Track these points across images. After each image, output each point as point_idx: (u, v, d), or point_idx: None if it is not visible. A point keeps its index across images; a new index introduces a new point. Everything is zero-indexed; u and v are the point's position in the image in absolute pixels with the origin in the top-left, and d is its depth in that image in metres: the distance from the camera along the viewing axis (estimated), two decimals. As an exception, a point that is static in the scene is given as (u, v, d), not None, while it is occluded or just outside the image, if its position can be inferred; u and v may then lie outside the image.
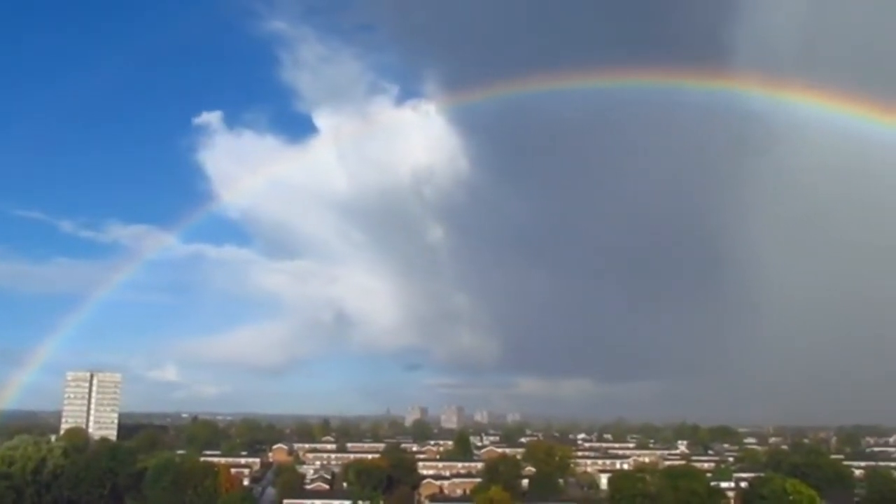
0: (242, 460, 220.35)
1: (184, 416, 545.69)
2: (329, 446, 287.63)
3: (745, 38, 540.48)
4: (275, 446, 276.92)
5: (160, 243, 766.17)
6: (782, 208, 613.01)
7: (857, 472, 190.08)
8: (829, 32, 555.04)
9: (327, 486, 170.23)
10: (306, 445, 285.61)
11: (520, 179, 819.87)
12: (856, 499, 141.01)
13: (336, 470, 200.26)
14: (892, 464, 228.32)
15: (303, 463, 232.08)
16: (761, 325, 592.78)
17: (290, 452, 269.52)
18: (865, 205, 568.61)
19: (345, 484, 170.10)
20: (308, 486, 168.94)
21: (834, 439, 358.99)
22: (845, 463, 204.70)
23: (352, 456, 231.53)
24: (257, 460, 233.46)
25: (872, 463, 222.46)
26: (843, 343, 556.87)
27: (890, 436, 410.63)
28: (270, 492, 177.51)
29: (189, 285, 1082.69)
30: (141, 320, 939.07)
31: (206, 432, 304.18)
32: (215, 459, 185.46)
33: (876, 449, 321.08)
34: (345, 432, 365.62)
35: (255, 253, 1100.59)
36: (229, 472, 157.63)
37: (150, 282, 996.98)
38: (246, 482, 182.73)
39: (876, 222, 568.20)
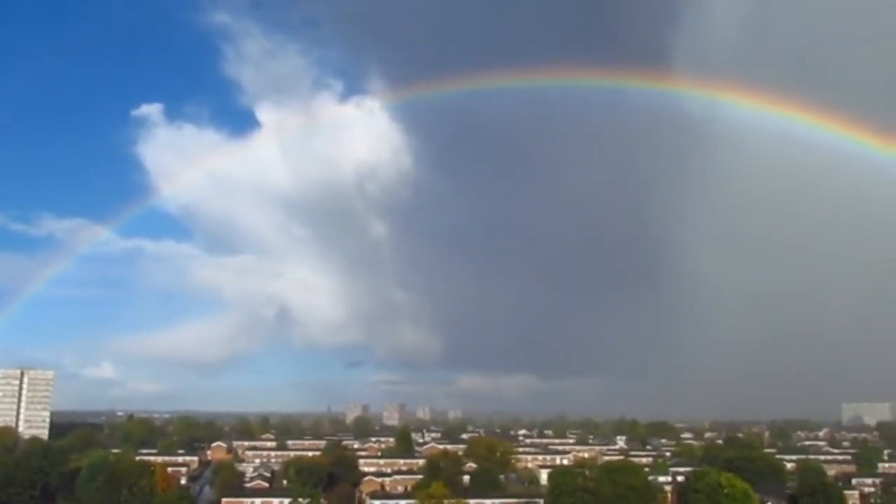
0: (180, 459, 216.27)
1: (119, 414, 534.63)
2: (269, 444, 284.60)
3: (685, 41, 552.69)
4: (213, 444, 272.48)
5: (95, 237, 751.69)
6: (720, 210, 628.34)
7: (789, 466, 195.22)
8: (766, 36, 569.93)
9: (267, 485, 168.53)
10: (246, 443, 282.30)
11: (463, 177, 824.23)
12: (787, 491, 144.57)
13: (276, 468, 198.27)
14: (822, 457, 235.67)
15: (242, 461, 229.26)
16: (698, 323, 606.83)
17: (230, 450, 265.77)
18: (799, 208, 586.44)
19: (285, 482, 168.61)
20: (247, 485, 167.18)
21: (767, 434, 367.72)
22: (777, 456, 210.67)
23: (292, 454, 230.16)
24: (195, 459, 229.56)
25: (803, 456, 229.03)
26: (776, 342, 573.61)
27: (819, 430, 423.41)
28: (208, 491, 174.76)
29: (126, 280, 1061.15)
30: (75, 316, 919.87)
31: (143, 430, 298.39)
32: (151, 458, 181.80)
33: (806, 443, 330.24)
34: (285, 430, 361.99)
35: (196, 248, 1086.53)
36: (166, 471, 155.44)
37: (85, 277, 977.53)
38: (183, 481, 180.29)
39: (809, 225, 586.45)
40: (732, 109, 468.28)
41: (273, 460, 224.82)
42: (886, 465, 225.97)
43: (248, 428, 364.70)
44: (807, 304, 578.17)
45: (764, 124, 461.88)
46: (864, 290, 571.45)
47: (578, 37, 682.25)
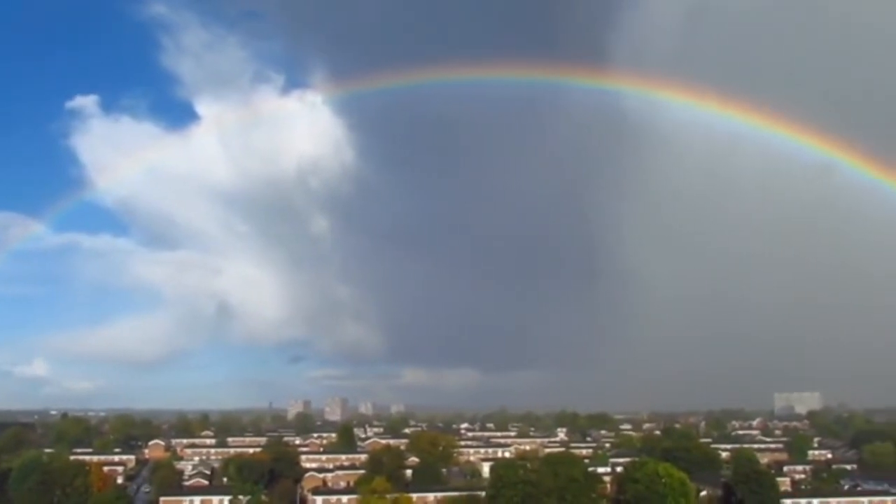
0: (116, 458, 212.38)
1: (53, 413, 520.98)
2: (208, 441, 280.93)
3: (623, 39, 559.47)
4: (151, 442, 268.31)
5: (28, 232, 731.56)
6: (657, 207, 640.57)
7: (724, 455, 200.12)
8: (703, 36, 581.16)
9: (207, 483, 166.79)
10: (184, 441, 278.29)
11: (406, 172, 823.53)
12: (722, 479, 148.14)
13: (216, 465, 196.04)
14: (755, 445, 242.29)
15: (181, 459, 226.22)
16: (637, 319, 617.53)
17: (168, 448, 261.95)
18: (731, 207, 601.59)
19: (225, 479, 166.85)
20: (186, 483, 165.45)
21: (703, 424, 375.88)
22: (713, 446, 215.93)
23: (232, 450, 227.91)
24: (132, 458, 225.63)
25: (737, 445, 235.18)
26: (711, 336, 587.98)
27: (753, 419, 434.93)
28: (146, 490, 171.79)
29: (60, 276, 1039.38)
30: (6, 313, 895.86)
31: (77, 429, 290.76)
32: (86, 458, 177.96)
33: (741, 432, 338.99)
34: (225, 427, 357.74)
35: (133, 243, 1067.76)
36: (102, 471, 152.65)
37: (17, 272, 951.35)
38: (120, 480, 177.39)
39: (739, 224, 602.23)
40: (669, 108, 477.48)
41: (213, 458, 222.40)
42: (816, 452, 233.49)
43: (187, 425, 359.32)
44: (740, 300, 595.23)
45: (698, 124, 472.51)
46: (793, 288, 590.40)
47: (520, 32, 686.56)
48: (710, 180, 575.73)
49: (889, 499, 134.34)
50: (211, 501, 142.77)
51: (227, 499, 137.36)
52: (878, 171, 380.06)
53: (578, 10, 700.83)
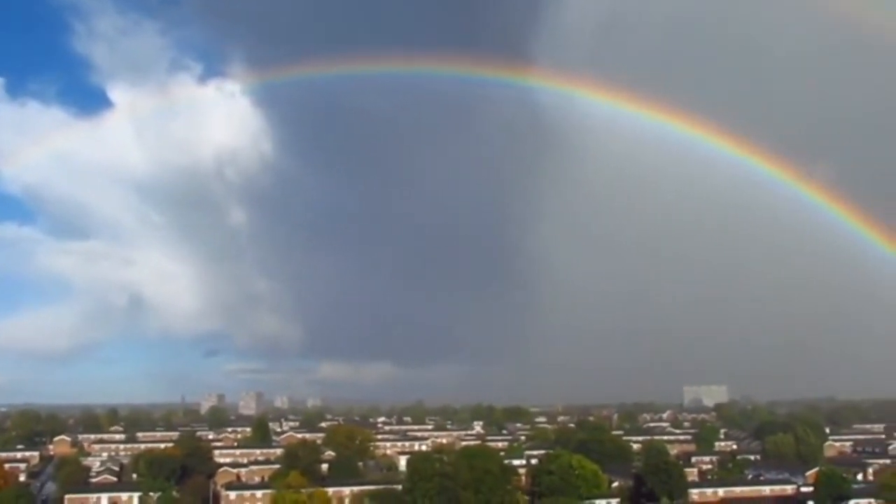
0: (18, 454, 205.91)
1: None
2: (117, 436, 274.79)
3: (545, 36, 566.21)
4: (56, 438, 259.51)
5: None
6: (573, 205, 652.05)
7: (636, 446, 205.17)
8: (622, 37, 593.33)
9: (115, 479, 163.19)
10: (92, 436, 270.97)
11: (325, 164, 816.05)
12: (633, 470, 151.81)
13: (125, 461, 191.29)
14: (665, 437, 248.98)
15: (88, 455, 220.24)
16: (552, 314, 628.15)
17: (74, 444, 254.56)
18: (645, 207, 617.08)
19: (135, 476, 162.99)
20: (94, 480, 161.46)
21: (615, 416, 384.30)
22: (625, 438, 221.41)
23: (143, 446, 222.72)
24: (36, 454, 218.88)
25: (648, 437, 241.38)
26: (622, 332, 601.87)
27: (663, 412, 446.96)
28: (51, 487, 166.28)
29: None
30: None
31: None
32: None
33: (651, 424, 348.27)
34: (135, 422, 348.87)
35: (40, 232, 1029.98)
36: (3, 468, 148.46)
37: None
38: (23, 478, 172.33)
39: (653, 225, 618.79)
40: (588, 107, 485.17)
41: (122, 454, 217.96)
42: (722, 443, 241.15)
43: (94, 420, 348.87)
44: (651, 298, 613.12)
45: (615, 123, 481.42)
46: (702, 286, 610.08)
47: (444, 25, 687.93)
48: (626, 179, 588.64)
49: (789, 487, 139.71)
50: (120, 498, 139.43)
51: (136, 495, 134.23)
52: (784, 172, 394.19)
53: (502, 7, 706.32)
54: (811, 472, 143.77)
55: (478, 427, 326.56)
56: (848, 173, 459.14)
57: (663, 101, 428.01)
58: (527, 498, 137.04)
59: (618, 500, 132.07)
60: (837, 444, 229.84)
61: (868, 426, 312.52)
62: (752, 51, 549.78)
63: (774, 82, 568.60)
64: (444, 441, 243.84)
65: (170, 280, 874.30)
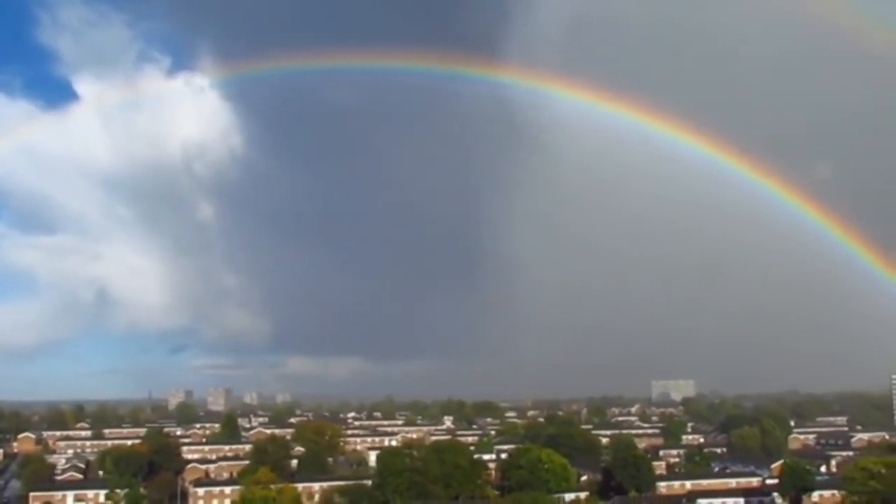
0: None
1: None
2: (84, 433, 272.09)
3: (515, 33, 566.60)
4: (20, 435, 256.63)
5: None
6: (542, 201, 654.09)
7: (604, 440, 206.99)
8: (592, 36, 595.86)
9: (81, 477, 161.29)
10: (57, 433, 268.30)
11: (295, 159, 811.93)
12: (602, 464, 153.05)
13: (91, 458, 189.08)
14: (634, 431, 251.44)
15: (53, 452, 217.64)
16: (523, 311, 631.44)
17: (39, 441, 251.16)
18: (613, 204, 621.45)
19: (101, 473, 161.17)
20: (59, 477, 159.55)
21: (584, 411, 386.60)
22: (594, 432, 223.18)
23: (109, 443, 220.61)
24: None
25: (617, 431, 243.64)
26: (592, 328, 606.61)
27: (632, 406, 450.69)
28: (15, 485, 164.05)
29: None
30: None
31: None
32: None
33: (620, 418, 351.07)
34: (101, 418, 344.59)
35: (5, 225, 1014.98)
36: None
37: None
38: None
39: (621, 222, 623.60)
40: (559, 105, 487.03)
41: (88, 451, 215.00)
42: (690, 437, 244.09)
43: (60, 417, 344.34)
44: (619, 295, 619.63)
45: (584, 121, 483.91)
46: (671, 282, 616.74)
47: (416, 21, 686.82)
48: (597, 177, 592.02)
49: (754, 480, 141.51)
50: (86, 496, 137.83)
51: (103, 493, 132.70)
52: (755, 171, 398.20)
53: (474, 3, 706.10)
54: (776, 465, 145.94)
55: (448, 422, 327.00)
56: (818, 173, 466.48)
57: (636, 99, 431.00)
58: (497, 492, 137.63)
59: (587, 493, 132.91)
60: (802, 436, 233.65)
61: (832, 419, 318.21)
62: (724, 51, 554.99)
63: (747, 82, 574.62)
64: (414, 436, 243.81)
65: (137, 275, 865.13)
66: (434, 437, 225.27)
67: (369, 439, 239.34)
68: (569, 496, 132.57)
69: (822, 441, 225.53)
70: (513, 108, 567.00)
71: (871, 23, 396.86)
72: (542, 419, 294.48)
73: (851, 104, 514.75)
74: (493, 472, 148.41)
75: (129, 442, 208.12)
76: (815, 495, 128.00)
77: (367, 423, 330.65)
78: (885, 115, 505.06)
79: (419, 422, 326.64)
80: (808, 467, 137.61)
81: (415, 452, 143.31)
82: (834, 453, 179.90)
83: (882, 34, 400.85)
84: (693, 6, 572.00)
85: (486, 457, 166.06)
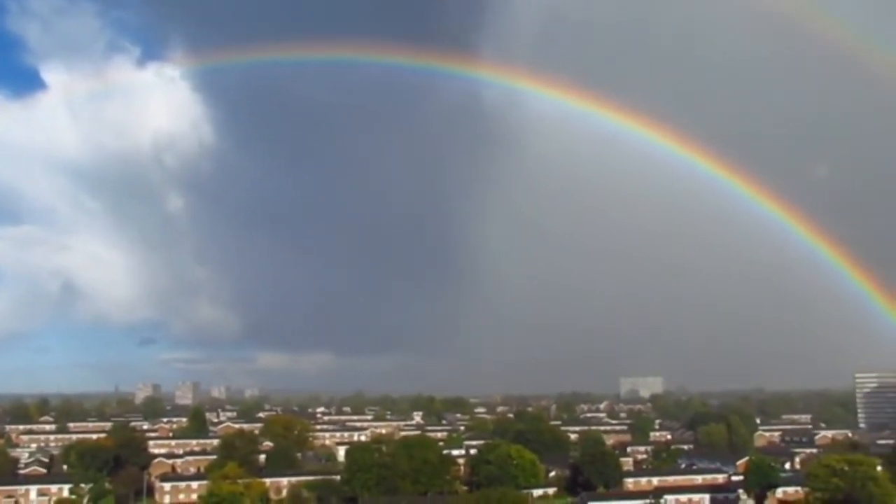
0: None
1: None
2: (48, 427, 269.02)
3: (492, 32, 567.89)
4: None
5: None
6: (514, 199, 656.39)
7: (573, 436, 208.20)
8: (565, 35, 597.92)
9: (45, 471, 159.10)
10: (21, 427, 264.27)
11: (267, 152, 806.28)
12: (570, 460, 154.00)
13: (55, 452, 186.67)
14: (602, 427, 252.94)
15: (16, 446, 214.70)
16: (493, 308, 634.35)
17: (2, 435, 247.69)
18: (585, 203, 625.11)
19: (65, 467, 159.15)
20: (22, 471, 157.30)
21: (554, 407, 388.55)
22: (563, 428, 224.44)
23: (74, 437, 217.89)
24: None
25: (585, 427, 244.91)
26: (562, 325, 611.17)
27: (601, 402, 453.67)
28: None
29: None
30: None
31: None
32: None
33: (589, 415, 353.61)
34: (66, 412, 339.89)
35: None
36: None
37: None
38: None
39: (592, 220, 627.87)
40: (532, 103, 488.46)
41: (52, 445, 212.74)
42: (657, 433, 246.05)
43: (23, 410, 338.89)
44: (589, 294, 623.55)
45: (558, 119, 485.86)
46: (640, 281, 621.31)
47: (390, 16, 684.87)
48: (568, 175, 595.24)
49: (720, 476, 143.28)
50: (49, 490, 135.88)
51: (67, 487, 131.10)
52: (724, 170, 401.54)
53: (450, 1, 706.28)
54: (741, 462, 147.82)
55: (417, 417, 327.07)
56: (787, 172, 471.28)
57: (609, 98, 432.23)
58: (465, 488, 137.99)
59: (555, 489, 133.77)
60: (767, 434, 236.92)
61: (796, 416, 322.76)
62: (695, 51, 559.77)
63: (717, 82, 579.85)
64: (384, 431, 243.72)
65: (104, 267, 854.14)
66: (403, 433, 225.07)
67: (338, 434, 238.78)
68: (537, 492, 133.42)
69: (787, 438, 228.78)
70: (487, 105, 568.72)
71: (840, 23, 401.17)
72: (511, 415, 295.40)
73: (821, 103, 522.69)
74: (462, 467, 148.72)
75: (95, 436, 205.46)
76: (780, 492, 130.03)
77: (336, 418, 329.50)
78: (856, 115, 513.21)
79: (388, 417, 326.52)
80: (772, 464, 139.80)
81: (384, 448, 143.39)
82: (798, 450, 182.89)
83: (850, 33, 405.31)
84: (667, 7, 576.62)
85: (455, 452, 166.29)
